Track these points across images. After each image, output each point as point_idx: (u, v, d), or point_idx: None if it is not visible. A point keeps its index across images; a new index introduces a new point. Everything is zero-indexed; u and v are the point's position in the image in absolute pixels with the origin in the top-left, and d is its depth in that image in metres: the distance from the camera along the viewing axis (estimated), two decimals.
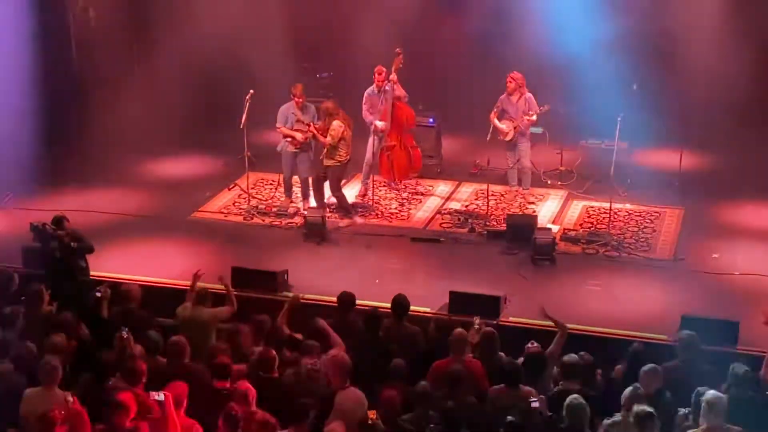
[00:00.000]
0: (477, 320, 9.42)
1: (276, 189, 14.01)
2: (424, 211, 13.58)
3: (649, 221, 13.02)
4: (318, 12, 16.89)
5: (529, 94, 13.47)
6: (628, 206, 13.32)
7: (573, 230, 12.76)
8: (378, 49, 14.66)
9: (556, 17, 15.16)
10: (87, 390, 8.21)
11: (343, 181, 13.46)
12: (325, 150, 12.93)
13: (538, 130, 14.38)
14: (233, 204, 13.74)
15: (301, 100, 13.07)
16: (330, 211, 13.18)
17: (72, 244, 10.42)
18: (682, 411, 7.92)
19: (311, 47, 16.97)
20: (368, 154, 13.79)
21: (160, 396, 7.62)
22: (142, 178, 14.76)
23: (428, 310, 10.54)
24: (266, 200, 13.77)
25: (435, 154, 14.96)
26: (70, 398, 7.87)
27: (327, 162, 12.98)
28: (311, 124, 12.95)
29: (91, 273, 10.78)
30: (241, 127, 13.19)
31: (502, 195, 13.82)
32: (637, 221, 13.01)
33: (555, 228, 12.71)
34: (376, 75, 13.61)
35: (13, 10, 14.70)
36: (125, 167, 14.94)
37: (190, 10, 15.94)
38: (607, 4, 15.32)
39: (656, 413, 7.51)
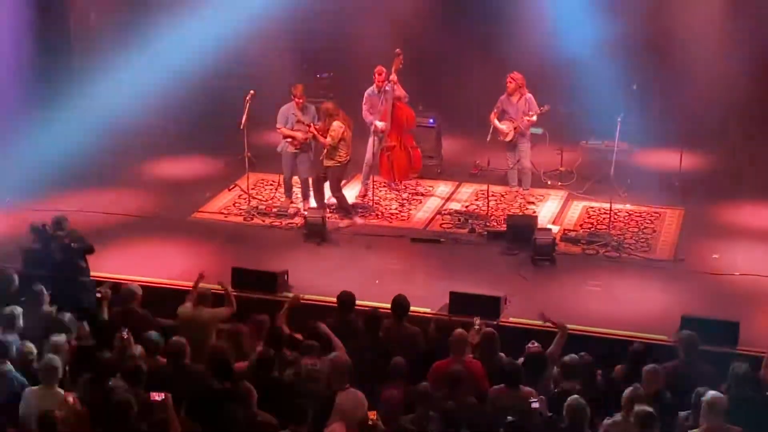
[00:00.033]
0: (477, 321, 9.43)
1: (276, 189, 14.01)
2: (424, 211, 13.58)
3: (649, 222, 13.02)
4: (318, 12, 16.89)
5: (529, 95, 13.47)
6: (628, 207, 13.33)
7: (573, 231, 12.76)
8: (378, 49, 14.66)
9: (556, 18, 15.18)
10: (87, 390, 8.20)
11: (343, 182, 13.46)
12: (325, 150, 12.93)
13: (538, 130, 14.38)
14: (233, 204, 13.75)
15: (301, 100, 13.07)
16: (330, 212, 13.18)
17: (72, 244, 10.44)
18: (682, 414, 7.92)
19: (312, 48, 16.97)
20: (368, 155, 13.79)
21: (160, 396, 7.63)
22: (142, 179, 14.76)
23: (428, 310, 10.54)
24: (266, 201, 13.77)
25: (435, 154, 14.96)
26: (71, 398, 7.88)
27: (327, 162, 12.98)
28: (311, 124, 12.95)
29: (92, 273, 10.78)
30: (242, 127, 13.19)
31: (503, 195, 13.83)
32: (637, 222, 13.01)
33: (555, 228, 12.71)
34: (376, 75, 13.61)
35: (12, 10, 14.72)
36: (125, 168, 14.94)
37: (191, 10, 15.93)
38: (607, 5, 15.33)
39: (656, 413, 7.52)
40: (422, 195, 14.08)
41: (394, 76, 13.58)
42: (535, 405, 7.87)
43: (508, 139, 13.51)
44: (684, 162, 13.94)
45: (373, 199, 13.64)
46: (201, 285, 9.97)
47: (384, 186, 14.10)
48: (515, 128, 13.42)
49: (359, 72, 14.68)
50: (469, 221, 13.05)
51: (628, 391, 7.88)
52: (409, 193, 14.09)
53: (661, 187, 13.78)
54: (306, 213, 12.97)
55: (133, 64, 15.34)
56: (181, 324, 9.60)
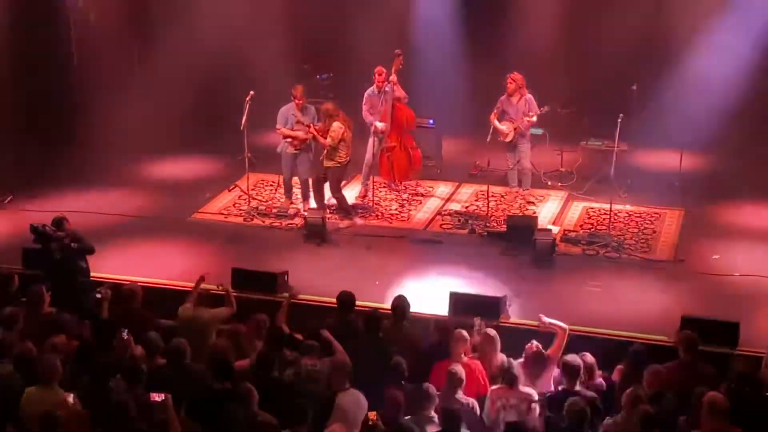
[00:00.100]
0: (477, 321, 9.43)
1: (276, 190, 14.02)
2: (424, 212, 13.58)
3: (649, 222, 13.02)
4: (318, 13, 16.90)
5: (529, 95, 13.48)
6: (628, 207, 13.33)
7: (573, 231, 12.76)
8: (378, 50, 14.66)
9: (556, 18, 15.19)
10: (87, 391, 8.20)
11: (343, 183, 13.47)
12: (325, 151, 12.93)
13: (538, 131, 14.39)
14: (233, 205, 13.75)
15: (301, 101, 13.07)
16: (330, 212, 13.19)
17: (72, 245, 10.42)
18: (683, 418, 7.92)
19: (311, 48, 16.98)
20: (368, 155, 13.80)
21: (160, 397, 7.62)
22: (142, 179, 14.77)
23: (428, 311, 10.53)
24: (266, 201, 13.78)
25: (435, 155, 14.96)
26: (71, 399, 7.88)
27: (327, 163, 12.98)
28: (311, 125, 12.95)
29: (92, 274, 10.78)
30: (242, 128, 13.18)
31: (503, 196, 13.83)
32: (637, 222, 13.01)
33: (555, 229, 12.71)
34: (377, 76, 13.61)
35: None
36: (125, 168, 14.95)
37: (191, 11, 15.95)
38: (607, 5, 15.34)
39: (657, 414, 7.52)
40: (422, 196, 14.08)
41: (394, 77, 13.58)
42: (535, 406, 7.88)
43: (508, 139, 13.51)
44: (684, 162, 13.95)
45: (373, 200, 13.64)
46: (201, 287, 9.98)
47: (384, 186, 14.10)
48: (515, 129, 13.43)
49: (359, 73, 14.69)
50: (469, 222, 13.05)
51: (628, 391, 7.89)
52: (409, 194, 14.09)
53: (661, 187, 13.79)
54: (306, 214, 12.97)
55: (133, 65, 15.35)
56: (181, 324, 9.60)
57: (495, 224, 12.98)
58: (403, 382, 8.36)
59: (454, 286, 10.78)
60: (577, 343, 9.21)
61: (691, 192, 13.67)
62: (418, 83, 14.92)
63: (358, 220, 13.19)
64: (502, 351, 8.97)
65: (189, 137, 15.62)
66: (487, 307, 10.34)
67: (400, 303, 9.55)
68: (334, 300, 9.75)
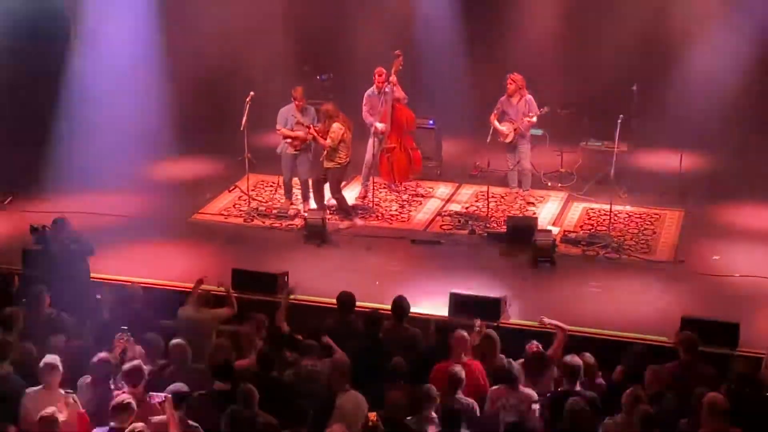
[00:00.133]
0: (478, 322, 9.42)
1: (276, 191, 14.02)
2: (424, 213, 13.59)
3: (649, 223, 13.02)
4: (318, 14, 16.91)
5: (529, 96, 13.48)
6: (628, 208, 13.33)
7: (573, 232, 12.76)
8: (378, 51, 14.67)
9: (556, 19, 15.20)
10: (88, 392, 8.20)
11: (343, 183, 13.47)
12: (325, 152, 12.93)
13: (538, 131, 14.39)
14: (233, 206, 13.75)
15: (301, 103, 13.08)
16: (330, 213, 13.18)
17: (72, 246, 10.43)
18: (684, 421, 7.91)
19: (312, 49, 16.99)
20: (368, 156, 13.80)
21: (160, 397, 7.62)
22: (143, 180, 14.76)
23: (428, 312, 10.53)
24: (266, 202, 13.78)
25: (435, 156, 14.95)
26: (71, 400, 7.88)
27: (327, 164, 12.98)
28: (311, 126, 12.95)
29: (92, 275, 10.78)
30: (242, 129, 13.19)
31: (503, 197, 13.83)
32: (637, 223, 13.01)
33: (555, 230, 12.71)
34: (376, 76, 13.61)
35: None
36: (125, 169, 14.93)
37: (191, 12, 15.95)
38: (605, 6, 15.34)
39: (657, 414, 7.51)
40: (422, 196, 14.08)
41: (393, 78, 13.59)
42: (535, 406, 7.87)
43: (508, 140, 13.51)
44: (684, 163, 13.95)
45: (373, 201, 13.64)
46: (201, 287, 9.98)
47: (384, 187, 14.10)
48: (515, 129, 13.43)
49: (359, 73, 14.69)
50: (469, 222, 13.05)
51: (628, 391, 7.89)
52: (409, 195, 14.10)
53: (661, 188, 13.79)
54: (306, 214, 12.97)
55: (133, 65, 15.34)
56: (181, 325, 9.60)
57: (495, 225, 12.98)
58: (402, 379, 8.36)
59: (454, 287, 10.77)
60: (577, 344, 9.21)
61: (691, 193, 13.66)
62: (418, 84, 14.92)
63: (358, 221, 13.19)
64: (502, 352, 8.97)
65: (189, 138, 15.60)
66: (487, 308, 10.34)
67: (400, 304, 9.55)
68: (334, 300, 9.76)
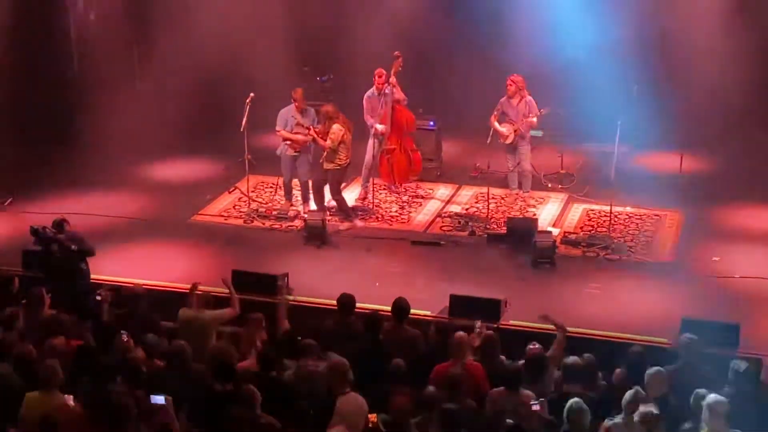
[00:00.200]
0: (478, 323, 9.42)
1: (276, 192, 14.01)
2: (424, 214, 13.58)
3: (649, 224, 13.02)
4: (318, 15, 16.90)
5: (529, 97, 13.48)
6: (628, 209, 13.32)
7: (573, 233, 12.75)
8: (378, 52, 14.66)
9: (556, 19, 15.18)
10: (87, 393, 8.19)
11: (343, 185, 13.46)
12: (325, 153, 12.93)
13: (539, 133, 14.36)
14: (233, 207, 13.75)
15: (301, 104, 13.07)
16: (330, 215, 13.18)
17: (72, 247, 10.43)
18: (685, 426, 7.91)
19: (312, 50, 16.98)
20: (368, 157, 13.79)
21: (160, 399, 7.62)
22: (143, 181, 14.76)
23: (428, 313, 10.54)
24: (266, 203, 13.77)
25: (435, 157, 14.95)
26: (71, 401, 7.87)
27: (327, 165, 12.97)
28: (311, 127, 12.95)
29: (92, 276, 10.78)
30: (242, 130, 13.19)
31: (503, 198, 13.83)
32: (637, 224, 13.01)
33: (555, 231, 12.70)
34: (376, 77, 13.61)
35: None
36: (125, 170, 14.95)
37: (191, 13, 15.94)
38: (607, 7, 15.32)
39: (657, 415, 7.51)
40: (422, 198, 14.08)
41: (393, 79, 13.58)
42: (536, 408, 7.87)
43: (508, 141, 13.51)
44: (684, 164, 13.94)
45: (373, 202, 13.64)
46: (201, 287, 9.97)
47: (384, 189, 14.10)
48: (515, 131, 13.43)
49: (359, 75, 14.68)
50: (470, 224, 13.05)
51: (628, 394, 7.88)
52: (409, 196, 14.10)
53: (662, 189, 13.78)
54: (306, 216, 12.97)
55: (133, 66, 15.35)
56: (182, 326, 9.59)
57: (495, 226, 12.98)
58: (401, 381, 8.35)
59: (454, 288, 10.77)
60: (577, 345, 9.21)
61: (691, 194, 13.65)
62: (418, 85, 14.90)
63: (358, 222, 13.19)
64: (502, 353, 8.96)
65: (189, 139, 15.61)
66: (487, 310, 10.33)
67: (401, 305, 9.54)
68: (335, 302, 9.75)
